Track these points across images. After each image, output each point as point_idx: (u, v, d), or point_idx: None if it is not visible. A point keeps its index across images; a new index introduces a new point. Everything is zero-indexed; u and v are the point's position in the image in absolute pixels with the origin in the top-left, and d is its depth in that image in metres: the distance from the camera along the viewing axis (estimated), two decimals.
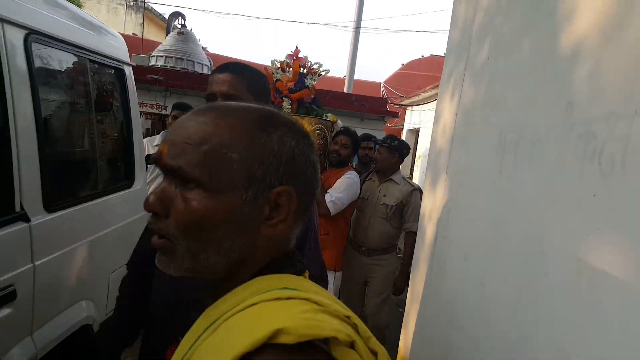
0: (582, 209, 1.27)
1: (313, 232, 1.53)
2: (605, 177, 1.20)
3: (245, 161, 0.66)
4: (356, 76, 11.72)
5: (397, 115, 12.17)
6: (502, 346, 1.61)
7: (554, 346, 1.32)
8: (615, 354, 1.08)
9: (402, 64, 20.22)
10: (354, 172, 3.33)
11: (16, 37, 1.48)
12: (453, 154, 2.29)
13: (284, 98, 3.02)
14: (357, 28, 11.28)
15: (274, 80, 3.10)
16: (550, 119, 1.48)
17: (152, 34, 18.10)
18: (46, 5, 1.73)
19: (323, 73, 3.18)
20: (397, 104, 14.32)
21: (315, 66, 3.19)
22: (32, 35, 1.56)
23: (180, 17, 11.98)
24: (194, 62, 9.86)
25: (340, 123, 3.33)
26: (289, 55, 3.18)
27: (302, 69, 3.10)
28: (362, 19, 11.38)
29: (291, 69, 3.13)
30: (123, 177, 2.37)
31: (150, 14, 18.22)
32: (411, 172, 13.22)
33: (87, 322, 1.92)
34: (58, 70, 1.83)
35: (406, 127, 15.00)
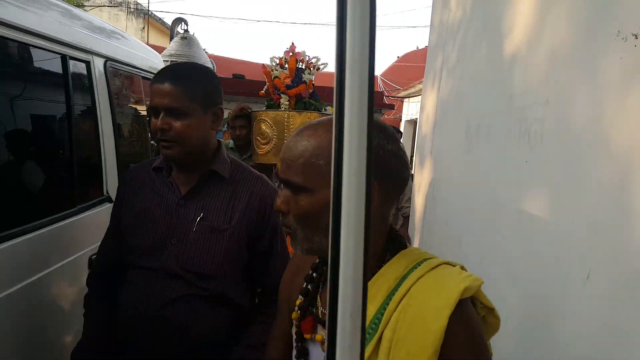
0: (518, 173, 1.77)
1: (280, 237, 1.56)
2: (532, 148, 1.69)
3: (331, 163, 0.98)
4: None
5: (394, 107, 12.60)
6: None
7: (507, 268, 1.83)
8: (541, 278, 1.59)
9: (398, 57, 20.59)
10: None
11: (99, 63, 2.01)
12: (435, 138, 2.79)
13: (281, 95, 3.03)
14: None
15: (272, 77, 3.11)
16: (498, 108, 1.97)
17: (153, 39, 18.56)
18: (116, 39, 2.30)
19: (321, 67, 3.17)
20: (394, 97, 14.71)
21: (313, 60, 3.18)
22: (108, 62, 2.10)
23: (183, 23, 12.44)
24: None
25: None
26: (285, 51, 3.16)
27: (299, 64, 3.09)
28: None
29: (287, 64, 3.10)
30: None
31: (150, 19, 18.67)
32: (411, 161, 13.71)
33: None
34: (123, 85, 2.34)
35: (404, 118, 15.43)
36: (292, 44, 3.17)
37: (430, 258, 0.93)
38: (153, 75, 2.74)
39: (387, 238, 0.95)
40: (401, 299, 0.85)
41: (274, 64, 3.15)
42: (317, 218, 0.87)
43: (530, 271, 1.64)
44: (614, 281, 1.23)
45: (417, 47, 20.20)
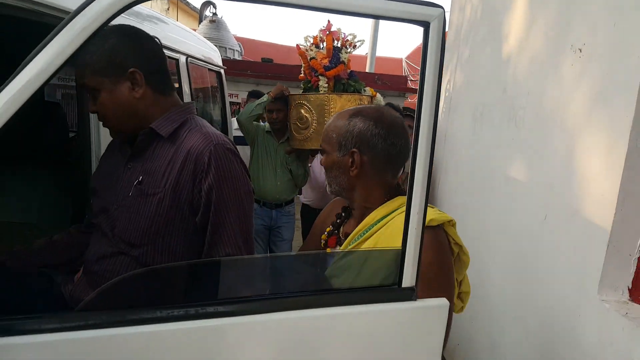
0: (509, 148, 2.33)
1: (235, 206, 1.30)
2: (518, 129, 2.25)
3: (338, 137, 1.29)
4: (378, 53, 12.41)
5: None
6: (472, 238, 2.71)
7: (497, 217, 2.40)
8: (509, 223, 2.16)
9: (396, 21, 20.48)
10: None
11: (183, 60, 2.66)
12: (448, 121, 3.35)
13: (319, 77, 2.90)
14: None
15: (309, 58, 2.97)
16: (496, 98, 2.52)
17: (179, 21, 19.03)
18: (193, 40, 2.99)
19: (358, 44, 2.99)
20: (416, 80, 14.90)
21: (349, 37, 3.00)
22: (189, 58, 2.76)
23: (211, 6, 12.92)
24: (225, 48, 10.82)
25: (380, 97, 3.22)
26: (321, 30, 2.98)
27: (335, 42, 2.93)
28: None
29: (324, 44, 2.96)
30: None
31: (176, 1, 18.97)
32: None
33: None
34: (198, 76, 2.97)
35: None
36: (329, 22, 2.99)
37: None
38: (215, 67, 3.40)
39: (387, 189, 1.32)
40: (385, 223, 1.25)
41: (308, 44, 3.01)
42: (330, 171, 1.33)
43: (514, 217, 2.22)
44: (562, 220, 1.80)
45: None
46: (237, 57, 11.70)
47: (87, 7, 0.75)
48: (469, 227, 2.64)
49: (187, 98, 2.65)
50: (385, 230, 1.23)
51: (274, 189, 3.39)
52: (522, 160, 2.18)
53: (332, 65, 2.88)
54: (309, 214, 3.87)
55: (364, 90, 2.97)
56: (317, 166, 3.68)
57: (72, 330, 0.79)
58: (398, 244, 0.96)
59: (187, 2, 19.27)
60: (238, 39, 14.57)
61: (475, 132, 2.82)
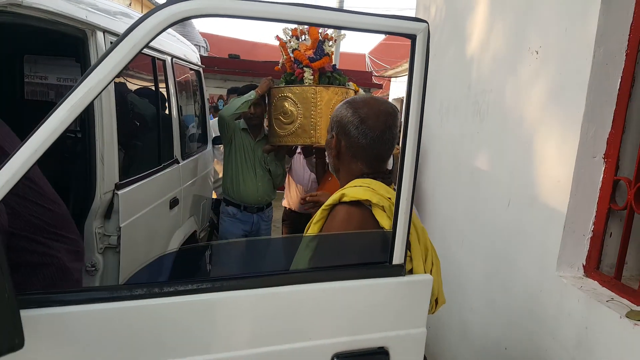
0: (473, 140, 2.52)
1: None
2: (481, 122, 2.44)
3: (331, 120, 1.46)
4: (341, 49, 12.57)
5: (382, 86, 13.18)
6: (453, 223, 2.90)
7: (464, 205, 2.60)
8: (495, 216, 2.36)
9: (386, 35, 20.93)
10: None
11: (168, 60, 2.75)
12: None
13: (304, 68, 2.81)
14: (341, 4, 12.30)
15: (291, 50, 2.89)
16: (461, 94, 2.71)
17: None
18: (177, 43, 3.07)
19: (339, 38, 3.00)
20: (381, 76, 15.17)
21: (329, 31, 2.93)
22: (174, 59, 2.83)
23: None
24: (191, 44, 10.79)
25: (362, 91, 3.18)
26: None
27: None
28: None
29: (305, 35, 2.88)
30: (204, 141, 3.71)
31: None
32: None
33: (195, 229, 3.22)
34: (179, 74, 3.06)
35: (391, 96, 16.00)
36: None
37: (361, 185, 1.35)
38: (195, 66, 3.48)
39: (358, 176, 1.41)
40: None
41: (287, 36, 2.94)
42: (326, 150, 1.50)
43: (480, 204, 2.41)
44: (523, 205, 2.00)
45: None
46: (203, 53, 11.64)
47: (136, 29, 0.86)
48: (438, 215, 2.84)
49: (172, 97, 2.73)
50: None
51: (256, 191, 3.25)
52: (486, 151, 2.37)
53: (317, 57, 2.83)
54: (293, 218, 3.73)
55: (348, 84, 2.98)
56: (298, 168, 3.58)
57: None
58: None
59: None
60: (203, 34, 14.48)
61: (441, 126, 3.01)
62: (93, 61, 1.84)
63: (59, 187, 1.99)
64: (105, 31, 1.94)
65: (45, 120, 0.85)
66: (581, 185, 1.67)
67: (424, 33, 1.10)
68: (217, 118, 3.43)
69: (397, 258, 1.09)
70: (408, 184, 1.09)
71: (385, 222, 1.24)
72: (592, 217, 1.70)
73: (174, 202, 2.68)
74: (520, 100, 2.05)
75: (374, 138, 1.38)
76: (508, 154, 2.13)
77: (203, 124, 3.69)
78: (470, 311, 2.44)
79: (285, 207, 3.80)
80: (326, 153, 1.52)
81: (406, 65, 13.19)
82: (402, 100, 14.32)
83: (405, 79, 8.41)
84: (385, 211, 1.26)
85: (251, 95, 3.03)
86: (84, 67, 1.84)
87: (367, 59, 18.79)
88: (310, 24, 1.05)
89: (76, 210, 1.82)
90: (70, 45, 1.86)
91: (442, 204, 2.90)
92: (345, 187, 1.38)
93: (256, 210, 3.29)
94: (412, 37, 1.10)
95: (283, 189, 3.82)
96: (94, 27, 1.85)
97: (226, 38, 16.79)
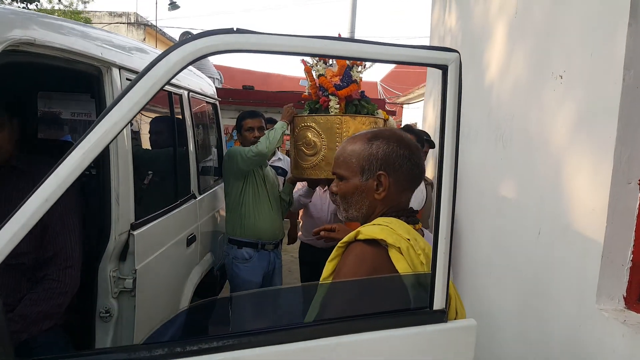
0: (496, 167, 2.45)
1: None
2: (504, 149, 2.37)
3: (359, 161, 1.30)
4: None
5: (395, 113, 13.21)
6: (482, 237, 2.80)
7: (490, 235, 2.50)
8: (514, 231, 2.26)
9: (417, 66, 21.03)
10: None
11: (185, 94, 2.74)
12: (435, 143, 3.47)
13: (330, 96, 2.61)
14: (352, 34, 12.47)
15: (317, 75, 2.68)
16: (481, 120, 2.66)
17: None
18: (193, 76, 3.09)
19: (368, 63, 2.74)
20: (394, 103, 15.22)
21: None
22: (190, 93, 2.84)
23: (190, 36, 13.10)
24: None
25: (392, 120, 2.93)
26: None
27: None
28: (355, 28, 12.50)
29: (332, 60, 2.70)
30: (221, 174, 3.66)
31: (151, 30, 19.05)
32: None
33: (212, 265, 3.13)
34: (195, 108, 3.06)
35: (403, 122, 16.04)
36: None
37: (380, 224, 1.26)
38: (212, 99, 3.48)
39: (400, 211, 1.33)
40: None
41: (314, 60, 2.73)
42: (349, 197, 1.33)
43: (507, 234, 2.32)
44: (555, 235, 1.90)
45: None
46: (217, 85, 11.80)
47: (158, 64, 0.82)
48: (463, 246, 2.74)
49: (188, 131, 2.71)
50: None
51: (272, 225, 3.00)
52: (512, 179, 2.29)
53: (344, 84, 2.62)
54: (310, 253, 3.48)
55: (377, 113, 2.76)
56: (317, 201, 3.38)
57: None
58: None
59: (164, 32, 19.36)
60: (217, 67, 14.74)
61: (460, 152, 2.94)
62: (108, 98, 1.81)
63: None
64: (121, 68, 1.92)
65: (58, 166, 0.80)
66: (617, 213, 1.59)
67: (456, 63, 1.05)
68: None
69: (438, 303, 1.02)
70: (446, 222, 1.02)
71: (400, 265, 1.16)
72: (630, 245, 1.61)
73: (191, 239, 2.63)
74: (547, 125, 1.98)
75: (423, 166, 1.36)
76: (536, 182, 2.05)
77: (220, 157, 3.66)
78: (501, 348, 2.32)
79: (302, 242, 3.63)
80: (349, 201, 1.35)
81: (418, 92, 13.25)
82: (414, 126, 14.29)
83: (418, 105, 8.44)
84: (401, 253, 1.17)
85: (283, 126, 2.81)
86: (99, 104, 1.81)
87: (379, 87, 18.89)
88: (338, 57, 1.01)
89: (89, 252, 1.76)
90: (86, 82, 1.84)
91: (467, 234, 2.80)
92: (364, 225, 1.30)
93: (273, 247, 3.05)
94: (444, 68, 1.05)
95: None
96: (110, 64, 1.84)
97: (240, 70, 17.04)
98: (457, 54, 1.06)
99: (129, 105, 0.85)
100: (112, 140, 0.82)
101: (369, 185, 1.30)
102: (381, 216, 1.31)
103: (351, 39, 0.99)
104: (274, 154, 3.88)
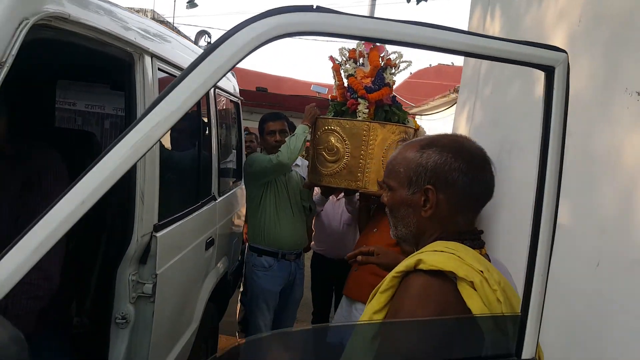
0: None
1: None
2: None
3: (407, 171, 1.13)
4: None
5: None
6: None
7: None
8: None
9: (411, 73, 21.06)
10: None
11: (211, 90, 2.60)
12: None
13: (359, 99, 2.36)
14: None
15: (346, 75, 2.42)
16: (528, 135, 2.47)
17: None
18: None
19: (403, 65, 2.47)
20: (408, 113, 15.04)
21: (392, 56, 2.42)
22: (216, 89, 2.72)
23: (206, 35, 13.03)
24: None
25: (424, 129, 2.79)
26: (365, 43, 2.38)
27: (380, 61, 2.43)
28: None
29: (363, 58, 2.42)
30: (239, 176, 3.49)
31: (167, 28, 19.08)
32: None
33: (227, 270, 2.96)
34: (220, 105, 2.90)
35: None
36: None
37: (443, 250, 1.06)
38: (235, 97, 3.32)
39: (458, 235, 1.13)
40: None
41: (344, 58, 2.47)
42: (396, 211, 1.16)
43: (554, 264, 2.13)
44: (618, 269, 1.72)
45: (430, 65, 20.68)
46: None
47: (222, 45, 0.66)
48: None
49: (213, 130, 2.55)
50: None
51: (293, 234, 2.82)
52: (566, 203, 2.10)
53: (375, 87, 2.35)
54: (322, 264, 3.35)
55: (407, 121, 2.55)
56: (330, 210, 3.26)
57: None
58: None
59: (180, 30, 19.39)
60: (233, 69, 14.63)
61: (500, 170, 2.76)
62: (138, 88, 1.65)
63: (91, 229, 1.82)
64: (153, 56, 1.76)
65: (99, 162, 0.64)
66: None
67: (564, 64, 0.88)
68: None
69: (529, 351, 0.84)
70: (544, 254, 0.85)
71: (474, 304, 0.96)
72: None
73: (209, 243, 2.46)
74: (616, 146, 1.80)
75: (488, 182, 1.17)
76: (598, 208, 1.86)
77: (239, 158, 3.50)
78: None
79: (314, 252, 3.45)
80: (396, 215, 1.17)
81: (432, 104, 13.06)
82: None
83: (433, 117, 8.27)
84: (474, 288, 0.98)
85: (305, 131, 2.60)
86: (130, 94, 1.64)
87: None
88: (427, 48, 0.83)
89: (110, 254, 1.59)
90: (115, 69, 1.68)
91: (507, 262, 2.61)
92: (422, 250, 1.09)
93: (294, 257, 2.88)
94: (549, 70, 0.88)
95: None
96: (142, 51, 1.68)
97: (252, 72, 16.95)
98: (565, 54, 0.89)
99: (186, 93, 0.68)
100: (165, 133, 0.66)
101: (415, 199, 1.11)
102: (439, 239, 1.11)
103: (446, 27, 0.82)
104: None
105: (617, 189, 1.76)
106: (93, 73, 2.56)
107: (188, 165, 2.37)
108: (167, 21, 18.54)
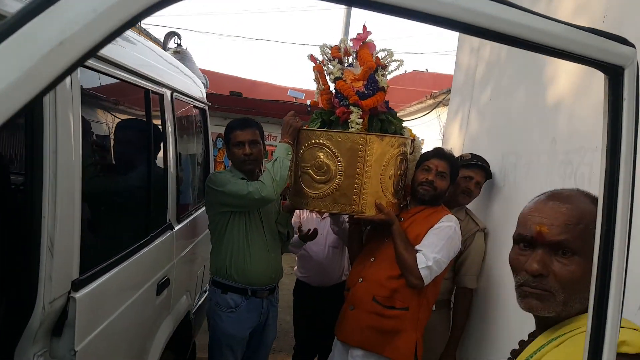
0: None
1: None
2: (576, 184, 1.84)
3: (590, 230, 0.86)
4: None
5: None
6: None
7: None
8: None
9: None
10: (454, 218, 2.17)
11: (167, 94, 2.16)
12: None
13: (351, 107, 1.96)
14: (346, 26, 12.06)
15: (332, 78, 2.03)
16: (539, 148, 2.12)
17: None
18: (179, 73, 2.47)
19: (394, 65, 2.06)
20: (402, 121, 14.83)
21: (380, 54, 2.04)
22: (174, 93, 2.25)
23: (176, 37, 12.56)
24: None
25: (419, 140, 2.39)
26: (353, 39, 2.03)
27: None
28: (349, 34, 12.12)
29: (350, 57, 2.05)
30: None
31: (135, 29, 18.52)
32: None
33: (189, 309, 2.50)
34: (180, 112, 2.47)
35: None
36: (365, 27, 2.03)
37: (635, 328, 0.88)
38: (200, 103, 2.91)
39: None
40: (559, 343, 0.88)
41: (326, 57, 2.06)
42: (577, 284, 0.90)
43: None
44: None
45: (405, 71, 20.57)
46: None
47: None
48: (511, 308, 2.18)
49: (169, 143, 2.11)
50: (560, 348, 0.87)
51: (267, 267, 2.30)
52: None
53: (369, 92, 1.94)
54: (305, 293, 2.97)
55: (403, 131, 2.14)
56: (313, 227, 2.81)
57: None
58: None
59: (148, 32, 18.73)
60: (204, 71, 14.13)
61: (504, 185, 2.41)
62: None
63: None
64: None
65: None
66: None
67: (634, 64, 0.55)
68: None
69: None
70: (615, 309, 0.53)
71: None
72: None
73: (163, 285, 1.99)
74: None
75: None
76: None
77: (206, 173, 2.99)
78: None
79: (297, 279, 3.06)
80: (574, 288, 0.90)
81: (408, 110, 12.81)
82: None
83: (412, 123, 7.81)
84: None
85: (289, 152, 2.10)
86: None
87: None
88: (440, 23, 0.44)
89: (4, 331, 1.12)
90: None
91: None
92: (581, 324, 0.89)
93: (267, 294, 2.36)
94: (617, 70, 0.55)
95: None
96: None
97: (225, 75, 16.45)
98: (635, 49, 0.57)
99: None
100: None
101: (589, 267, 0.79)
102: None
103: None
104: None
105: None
106: None
107: (133, 189, 1.87)
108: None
